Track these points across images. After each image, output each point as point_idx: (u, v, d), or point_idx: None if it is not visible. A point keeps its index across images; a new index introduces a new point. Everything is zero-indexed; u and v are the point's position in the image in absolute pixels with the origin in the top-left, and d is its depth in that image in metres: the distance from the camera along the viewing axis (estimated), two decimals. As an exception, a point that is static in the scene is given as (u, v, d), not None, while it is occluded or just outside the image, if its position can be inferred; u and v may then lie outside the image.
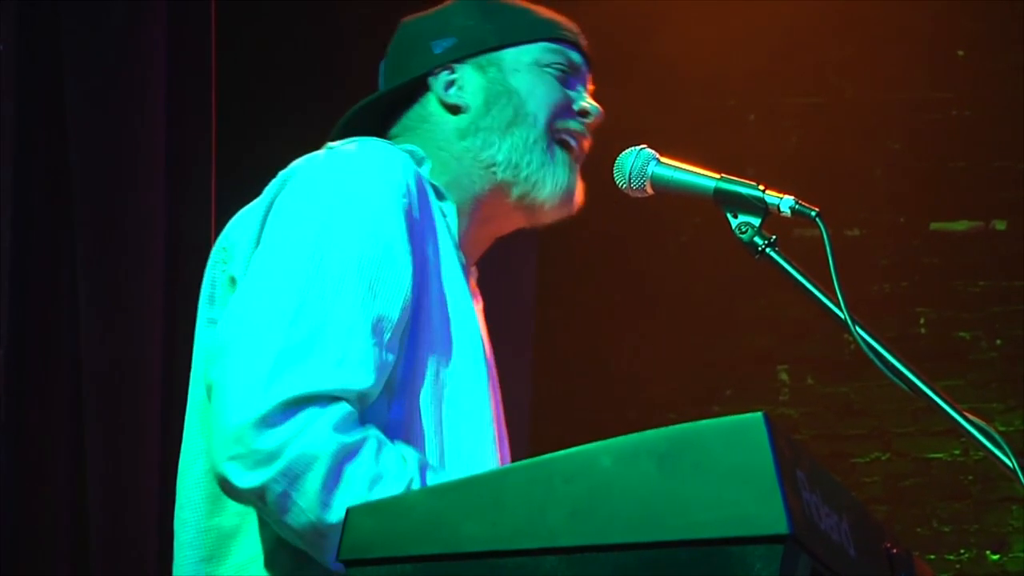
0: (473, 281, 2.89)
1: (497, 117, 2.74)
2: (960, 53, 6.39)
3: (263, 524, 2.50)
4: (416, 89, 2.81)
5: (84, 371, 4.19)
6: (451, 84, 2.78)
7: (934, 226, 6.37)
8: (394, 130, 2.83)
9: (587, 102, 2.80)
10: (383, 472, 2.36)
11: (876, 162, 6.37)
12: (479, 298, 2.85)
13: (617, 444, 1.85)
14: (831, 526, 1.90)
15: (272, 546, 2.49)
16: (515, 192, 2.75)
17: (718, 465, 1.79)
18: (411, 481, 2.36)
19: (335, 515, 2.32)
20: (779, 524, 1.75)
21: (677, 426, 1.84)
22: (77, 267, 4.21)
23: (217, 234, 2.72)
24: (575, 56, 2.83)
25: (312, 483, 2.32)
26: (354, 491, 2.32)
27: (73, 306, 4.21)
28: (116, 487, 4.19)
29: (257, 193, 2.68)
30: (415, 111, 2.81)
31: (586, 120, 2.80)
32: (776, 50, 6.28)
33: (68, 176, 4.23)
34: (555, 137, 2.77)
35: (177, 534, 2.61)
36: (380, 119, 2.84)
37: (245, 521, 2.51)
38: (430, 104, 2.80)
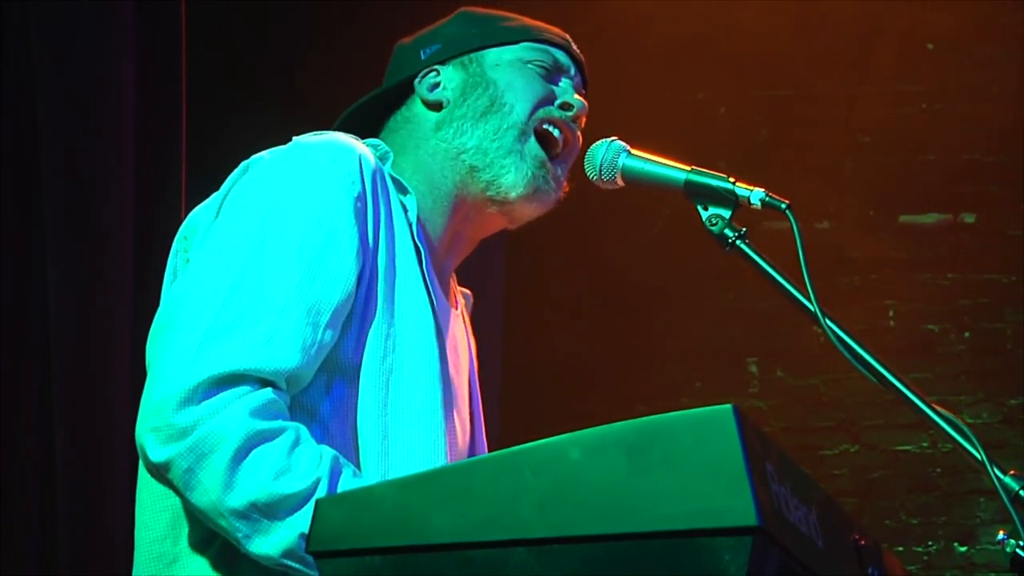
0: (463, 302, 2.90)
1: (472, 106, 2.76)
2: (930, 46, 6.41)
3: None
4: (404, 94, 2.84)
5: (53, 363, 4.17)
6: (436, 86, 2.81)
7: (903, 219, 6.39)
8: (382, 134, 2.85)
9: (570, 96, 2.80)
10: (292, 466, 2.35)
11: (846, 155, 6.38)
12: (457, 306, 2.86)
13: (586, 436, 1.85)
14: (800, 518, 1.90)
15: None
16: (481, 178, 2.74)
17: (687, 457, 1.79)
18: (318, 481, 2.34)
19: (236, 499, 2.32)
20: (748, 516, 1.75)
21: (646, 418, 1.84)
22: (47, 259, 4.19)
23: (187, 226, 2.73)
24: (560, 55, 2.84)
25: (217, 463, 2.33)
26: (258, 478, 2.32)
27: (42, 299, 4.19)
28: (85, 480, 4.18)
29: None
30: (400, 113, 2.84)
31: (568, 113, 2.79)
32: (746, 43, 6.29)
33: (38, 170, 4.21)
34: (535, 127, 2.76)
35: (136, 515, 2.60)
36: (371, 122, 2.87)
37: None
38: (415, 105, 2.83)
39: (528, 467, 1.86)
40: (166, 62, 4.50)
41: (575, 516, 1.82)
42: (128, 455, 4.21)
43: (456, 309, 2.84)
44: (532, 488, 1.85)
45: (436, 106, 2.79)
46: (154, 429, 2.35)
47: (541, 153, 2.76)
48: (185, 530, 2.52)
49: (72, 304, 4.21)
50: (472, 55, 2.81)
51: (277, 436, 2.36)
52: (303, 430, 2.40)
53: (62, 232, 4.21)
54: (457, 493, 1.89)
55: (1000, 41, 6.33)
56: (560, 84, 2.82)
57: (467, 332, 2.91)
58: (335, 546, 1.94)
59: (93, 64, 4.30)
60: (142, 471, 2.59)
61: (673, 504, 1.78)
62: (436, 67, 2.82)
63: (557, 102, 2.79)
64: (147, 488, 2.58)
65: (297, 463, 2.35)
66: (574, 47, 2.87)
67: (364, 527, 1.93)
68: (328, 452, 2.40)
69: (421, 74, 2.82)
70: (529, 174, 2.74)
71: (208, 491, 2.33)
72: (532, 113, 2.76)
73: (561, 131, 2.79)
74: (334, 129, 2.83)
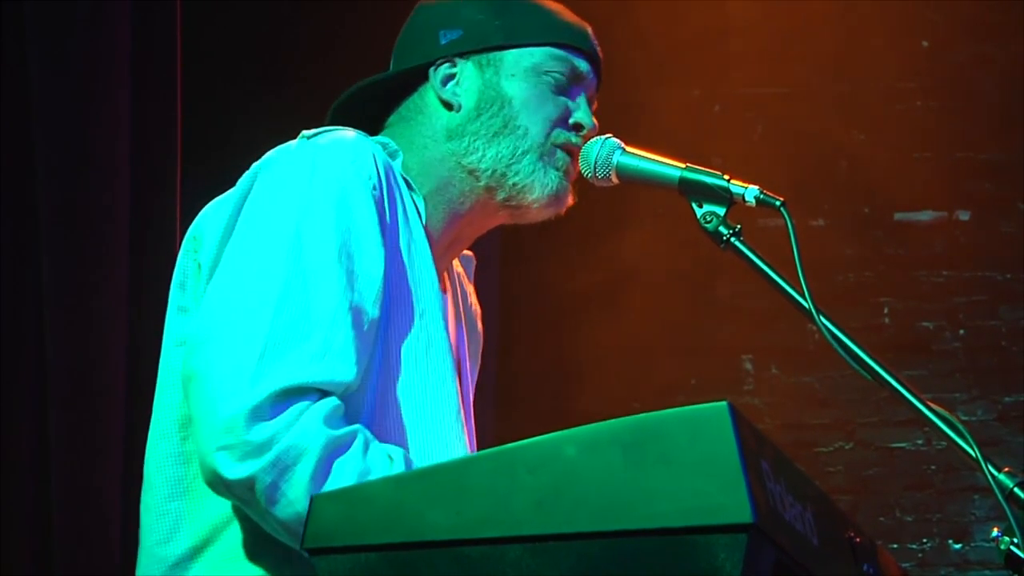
0: (462, 271, 2.91)
1: (486, 123, 2.72)
2: (924, 44, 6.41)
3: (211, 511, 2.50)
4: (418, 76, 2.79)
5: (49, 362, 4.17)
6: (450, 78, 2.75)
7: (898, 216, 6.39)
8: (391, 118, 2.81)
9: (583, 115, 2.76)
10: (371, 468, 2.36)
11: (841, 152, 6.38)
12: (448, 290, 2.85)
13: (582, 433, 1.85)
14: (795, 516, 1.91)
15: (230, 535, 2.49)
16: (500, 195, 2.73)
17: (683, 454, 1.79)
18: None
19: None
20: (743, 513, 1.75)
21: (642, 415, 1.84)
22: (42, 259, 4.19)
23: (182, 225, 2.72)
24: (580, 64, 2.78)
25: (301, 475, 2.32)
26: (342, 484, 2.31)
27: (37, 298, 4.18)
28: (80, 479, 4.18)
29: (222, 183, 2.68)
30: (413, 100, 2.79)
31: (580, 133, 2.76)
32: (741, 41, 6.29)
33: (32, 168, 4.20)
34: (550, 147, 2.73)
35: (141, 516, 2.61)
36: (381, 101, 2.83)
37: (203, 506, 2.51)
38: (427, 95, 2.77)
39: (524, 464, 1.86)
40: (161, 60, 4.49)
41: (570, 513, 1.82)
42: (121, 450, 4.21)
43: (446, 293, 2.84)
44: (528, 485, 1.85)
45: (448, 105, 2.74)
46: (226, 447, 2.33)
47: (567, 160, 2.74)
48: (189, 533, 2.52)
49: (67, 300, 4.20)
50: (491, 55, 2.75)
51: (352, 441, 2.37)
52: (366, 431, 2.42)
53: (57, 231, 4.21)
54: (453, 490, 1.89)
55: (995, 38, 6.33)
56: (575, 98, 2.77)
57: (462, 306, 2.91)
58: (331, 543, 1.94)
59: (89, 63, 4.29)
60: (151, 473, 2.59)
61: (668, 501, 1.78)
62: (455, 58, 2.76)
63: (571, 119, 2.75)
64: (150, 491, 2.58)
65: (374, 464, 2.37)
66: (595, 45, 2.81)
67: (360, 524, 1.93)
68: (396, 450, 2.43)
69: (437, 63, 2.76)
70: (553, 187, 2.73)
71: (294, 503, 2.33)
72: (547, 137, 2.73)
73: (571, 154, 2.76)
74: (340, 103, 2.80)
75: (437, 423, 2.59)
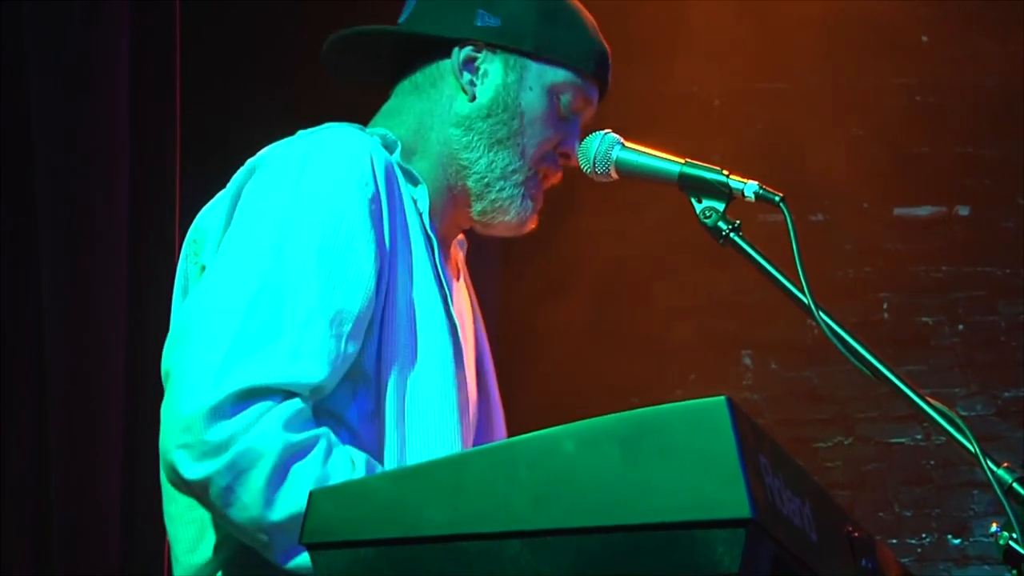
0: (460, 257, 2.90)
1: (492, 127, 2.72)
2: (924, 39, 6.41)
3: None
4: (440, 43, 2.77)
5: (48, 362, 4.17)
6: (472, 62, 2.74)
7: (897, 211, 6.39)
8: (404, 83, 2.81)
9: (574, 144, 2.75)
10: (330, 475, 2.35)
11: (840, 148, 6.38)
12: (460, 276, 2.85)
13: (580, 428, 1.85)
14: (793, 511, 1.91)
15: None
16: (476, 207, 2.75)
17: (681, 449, 1.79)
18: None
19: (277, 513, 2.32)
20: (742, 508, 1.75)
21: (640, 410, 1.84)
22: (41, 259, 4.18)
23: (181, 227, 2.71)
24: (593, 94, 2.80)
25: (257, 479, 2.32)
26: (298, 491, 2.31)
27: (36, 299, 4.18)
28: (80, 479, 4.17)
29: (222, 183, 2.67)
30: (431, 69, 2.79)
31: (564, 161, 2.78)
32: (741, 36, 6.29)
33: (32, 171, 4.20)
34: (534, 173, 2.75)
35: (167, 527, 2.61)
36: (392, 49, 2.82)
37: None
38: (445, 67, 2.77)
39: (522, 459, 1.86)
40: (160, 61, 4.49)
41: (569, 508, 1.82)
42: (120, 454, 4.20)
43: (459, 280, 2.84)
44: (526, 481, 1.85)
45: (462, 89, 2.74)
46: (185, 446, 2.33)
47: (539, 191, 2.77)
48: (214, 540, 2.52)
49: (67, 300, 4.20)
50: (519, 59, 2.74)
51: (312, 446, 2.36)
52: (331, 435, 2.41)
53: (56, 232, 4.21)
54: (450, 486, 1.89)
55: (993, 34, 6.33)
56: (573, 124, 2.78)
57: (469, 292, 2.91)
58: (329, 538, 1.94)
59: (88, 63, 4.29)
60: (167, 484, 2.58)
61: (667, 496, 1.78)
62: (483, 47, 2.74)
63: (561, 147, 2.77)
64: (172, 502, 2.58)
65: (334, 471, 2.36)
66: (609, 73, 2.82)
67: (358, 519, 1.93)
68: (359, 455, 2.41)
69: (464, 43, 2.75)
70: (525, 215, 2.76)
71: (248, 507, 2.33)
72: (537, 161, 2.74)
73: (551, 176, 2.80)
74: (350, 34, 2.81)
75: (429, 424, 2.58)
